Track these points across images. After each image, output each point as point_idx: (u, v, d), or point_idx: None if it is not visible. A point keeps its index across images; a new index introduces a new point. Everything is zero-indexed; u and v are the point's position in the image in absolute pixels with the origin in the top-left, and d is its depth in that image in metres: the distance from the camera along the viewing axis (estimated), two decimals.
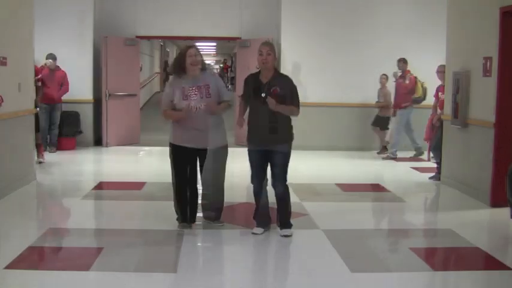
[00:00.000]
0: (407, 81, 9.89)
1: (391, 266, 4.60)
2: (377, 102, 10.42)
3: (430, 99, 9.86)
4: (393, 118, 10.29)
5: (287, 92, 5.06)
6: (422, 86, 9.92)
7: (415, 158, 10.08)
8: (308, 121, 10.34)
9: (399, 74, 10.09)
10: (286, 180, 5.21)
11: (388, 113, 10.35)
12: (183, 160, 5.28)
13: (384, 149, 10.47)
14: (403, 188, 7.63)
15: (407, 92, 9.88)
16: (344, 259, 4.60)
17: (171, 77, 5.40)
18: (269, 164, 5.20)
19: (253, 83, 5.14)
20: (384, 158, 10.05)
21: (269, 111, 4.99)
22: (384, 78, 10.35)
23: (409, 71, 9.96)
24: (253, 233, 5.24)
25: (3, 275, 4.11)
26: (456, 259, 4.95)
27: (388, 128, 10.47)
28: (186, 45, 5.41)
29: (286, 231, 5.22)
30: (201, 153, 5.26)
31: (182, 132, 5.23)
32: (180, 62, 5.15)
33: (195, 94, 5.13)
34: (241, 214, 6.19)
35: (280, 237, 5.16)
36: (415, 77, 9.92)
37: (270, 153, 5.11)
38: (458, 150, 7.37)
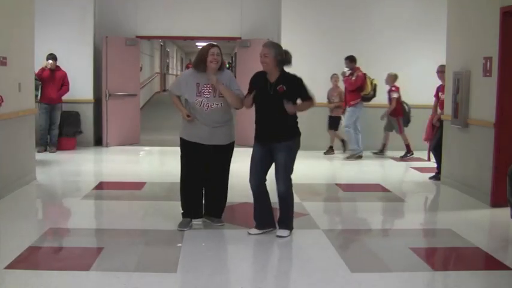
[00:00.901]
0: (353, 78, 9.82)
1: (391, 266, 4.60)
2: (331, 102, 10.37)
3: (381, 97, 10.01)
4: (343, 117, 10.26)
5: (296, 90, 5.12)
6: (371, 83, 9.90)
7: (351, 158, 9.95)
8: (310, 120, 10.33)
9: (348, 72, 10.00)
10: (288, 181, 5.20)
11: (340, 113, 10.30)
12: (193, 155, 5.30)
13: (330, 149, 10.46)
14: (403, 188, 7.63)
15: (355, 89, 9.82)
16: (344, 259, 4.60)
17: (189, 69, 5.49)
18: (274, 164, 5.20)
19: (261, 82, 5.18)
20: (348, 158, 9.95)
21: (274, 109, 5.05)
22: (336, 77, 10.34)
23: (358, 68, 9.89)
24: (248, 233, 5.25)
25: (3, 275, 4.12)
26: (456, 259, 4.95)
27: (338, 129, 10.43)
28: (211, 43, 5.49)
29: (281, 232, 5.21)
30: (210, 149, 5.28)
31: (192, 128, 5.27)
32: (202, 57, 5.23)
33: (209, 92, 5.20)
34: (241, 214, 6.19)
35: (280, 237, 5.16)
36: (364, 74, 9.87)
37: (274, 150, 5.13)
38: (458, 150, 7.37)
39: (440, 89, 8.28)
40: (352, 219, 6.21)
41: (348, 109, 9.98)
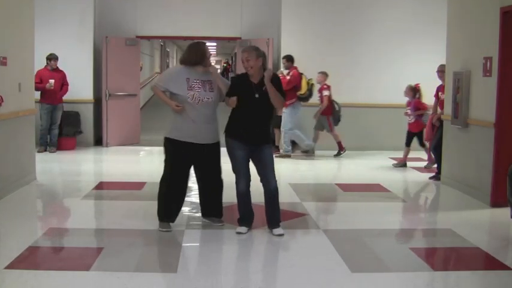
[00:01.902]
0: (288, 77, 9.66)
1: (391, 266, 4.60)
2: None
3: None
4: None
5: (277, 87, 5.23)
6: (308, 83, 9.82)
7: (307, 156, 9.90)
8: (309, 121, 10.34)
9: (285, 72, 9.91)
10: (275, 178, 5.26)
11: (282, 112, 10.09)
12: (182, 156, 5.26)
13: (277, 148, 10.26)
14: (403, 188, 7.63)
15: (291, 88, 9.60)
16: (344, 259, 4.60)
17: (177, 65, 5.46)
18: (256, 164, 5.25)
19: (244, 84, 5.21)
20: (306, 156, 9.91)
21: (260, 112, 5.17)
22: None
23: (294, 68, 9.81)
24: (238, 232, 5.24)
25: (3, 275, 4.12)
26: (456, 259, 4.95)
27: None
28: (199, 41, 5.52)
29: (278, 230, 5.23)
30: (201, 148, 5.26)
31: (183, 127, 5.23)
32: (202, 54, 5.26)
33: (199, 87, 5.21)
34: None
35: (279, 238, 5.16)
36: (300, 74, 9.78)
37: (258, 152, 5.20)
38: (458, 150, 7.37)
39: (440, 88, 8.27)
40: (352, 219, 6.21)
41: (285, 110, 9.73)
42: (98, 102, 11.04)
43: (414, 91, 9.03)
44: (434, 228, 5.97)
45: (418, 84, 9.04)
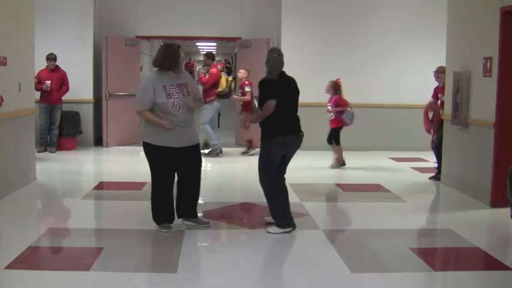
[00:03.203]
0: (207, 76, 9.83)
1: (391, 266, 4.60)
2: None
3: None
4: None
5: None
6: (227, 81, 9.98)
7: (212, 155, 9.87)
8: (308, 121, 10.31)
9: (204, 69, 10.04)
10: (263, 179, 5.31)
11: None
12: (167, 161, 5.25)
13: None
14: (403, 188, 7.63)
15: (211, 86, 9.82)
16: (344, 259, 4.60)
17: (152, 73, 5.36)
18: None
19: None
20: (208, 155, 9.88)
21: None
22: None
23: (214, 65, 9.92)
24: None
25: (3, 275, 4.12)
26: (456, 259, 4.95)
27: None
28: (173, 43, 5.47)
29: (269, 228, 5.32)
30: (182, 151, 5.24)
31: (164, 132, 5.20)
32: (176, 58, 5.18)
33: (177, 92, 5.17)
34: (241, 214, 6.19)
35: (279, 237, 5.17)
36: (220, 71, 9.96)
37: None
38: (458, 150, 7.37)
39: (438, 90, 8.24)
40: (352, 219, 6.21)
41: (204, 106, 9.71)
42: (98, 102, 11.04)
43: (335, 87, 8.97)
44: (434, 228, 5.97)
45: (338, 79, 9.01)
